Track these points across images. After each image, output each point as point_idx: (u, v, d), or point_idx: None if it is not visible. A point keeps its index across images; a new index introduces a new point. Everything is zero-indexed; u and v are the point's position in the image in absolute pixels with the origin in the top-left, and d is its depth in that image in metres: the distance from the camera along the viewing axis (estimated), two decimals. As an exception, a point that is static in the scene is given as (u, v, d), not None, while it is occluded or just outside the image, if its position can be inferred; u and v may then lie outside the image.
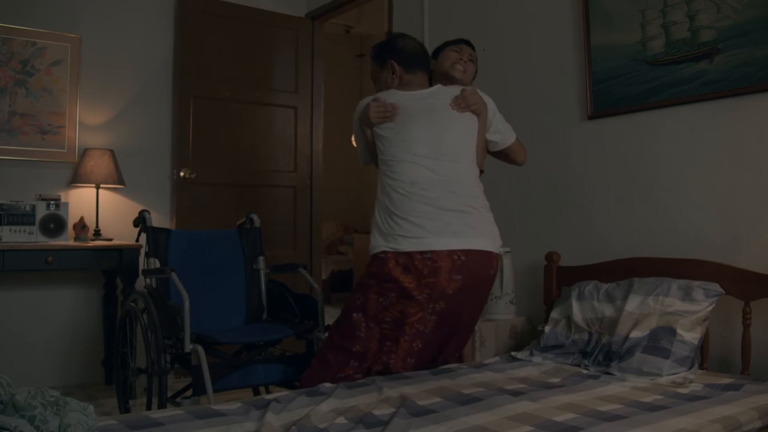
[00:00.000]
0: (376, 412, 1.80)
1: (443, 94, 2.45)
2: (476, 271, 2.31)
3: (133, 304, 2.80)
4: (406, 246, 2.27)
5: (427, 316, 2.30)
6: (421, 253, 2.25)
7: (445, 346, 2.44)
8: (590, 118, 2.94)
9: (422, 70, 2.53)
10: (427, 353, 2.38)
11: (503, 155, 2.67)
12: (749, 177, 2.43)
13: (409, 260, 2.26)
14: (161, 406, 2.49)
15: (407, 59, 2.50)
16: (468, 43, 2.73)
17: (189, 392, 2.70)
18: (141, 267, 3.68)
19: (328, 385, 2.08)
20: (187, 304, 2.50)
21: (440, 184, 2.31)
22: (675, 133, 2.65)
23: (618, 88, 2.81)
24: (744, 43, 2.41)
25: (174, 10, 4.26)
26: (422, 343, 2.33)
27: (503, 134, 2.57)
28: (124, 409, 2.89)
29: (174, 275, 2.61)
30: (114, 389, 3.70)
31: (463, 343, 2.54)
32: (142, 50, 4.17)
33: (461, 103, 2.41)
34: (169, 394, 2.64)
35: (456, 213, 2.30)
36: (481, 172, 2.69)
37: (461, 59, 2.62)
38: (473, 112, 2.44)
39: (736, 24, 2.43)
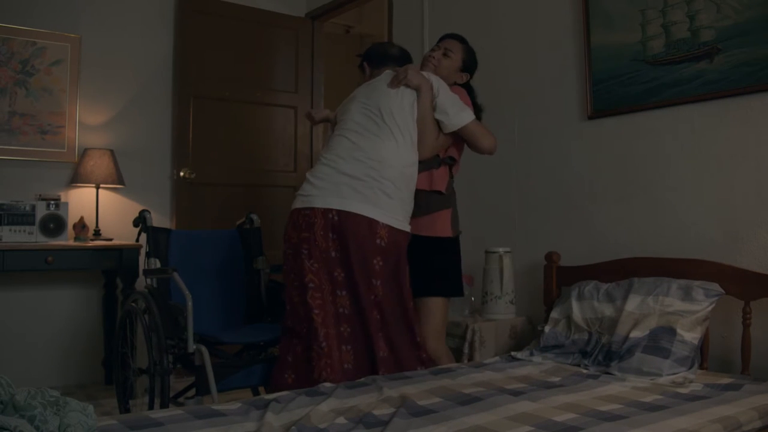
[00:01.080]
0: (376, 412, 1.80)
1: (386, 76, 2.58)
2: (352, 233, 2.32)
3: (133, 304, 2.79)
4: (298, 203, 2.43)
5: (336, 291, 2.35)
6: (303, 209, 2.39)
7: (378, 337, 2.35)
8: (590, 118, 2.94)
9: (388, 66, 2.65)
10: (360, 341, 2.35)
11: (468, 143, 2.61)
12: (749, 177, 2.43)
13: (296, 216, 2.41)
14: (164, 406, 2.49)
15: (374, 58, 2.73)
16: (454, 36, 2.77)
17: (191, 392, 2.70)
18: (141, 267, 3.69)
19: (328, 385, 2.08)
20: (190, 303, 2.49)
21: (351, 151, 2.41)
22: (675, 133, 2.65)
23: (618, 88, 2.81)
24: (744, 43, 2.41)
25: (174, 10, 4.26)
26: (350, 327, 2.36)
27: (450, 115, 2.50)
28: (125, 409, 2.88)
29: (176, 275, 2.61)
30: (113, 389, 3.70)
31: (396, 338, 2.37)
32: (142, 50, 4.17)
33: (394, 81, 2.51)
34: (170, 394, 2.63)
35: (351, 178, 2.37)
36: (453, 160, 2.64)
37: (432, 56, 2.70)
38: (408, 86, 2.49)
39: (736, 24, 2.43)
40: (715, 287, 2.37)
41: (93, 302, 4.00)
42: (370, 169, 2.36)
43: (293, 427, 1.65)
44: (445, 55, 2.69)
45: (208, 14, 4.31)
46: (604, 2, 2.86)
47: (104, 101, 4.05)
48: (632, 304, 2.45)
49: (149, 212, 2.99)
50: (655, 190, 2.72)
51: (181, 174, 4.16)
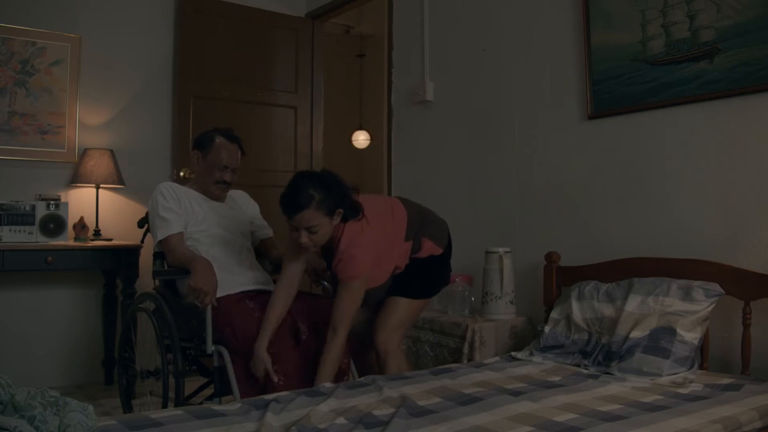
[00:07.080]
0: (376, 412, 1.80)
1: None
2: None
3: (142, 306, 2.76)
4: None
5: None
6: None
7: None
8: (590, 118, 2.93)
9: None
10: None
11: None
12: (749, 177, 2.43)
13: None
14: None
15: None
16: (300, 204, 2.31)
17: (202, 394, 2.71)
18: (141, 267, 3.69)
19: (328, 385, 2.08)
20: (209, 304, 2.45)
21: None
22: (675, 133, 2.65)
23: (618, 88, 2.81)
24: (744, 43, 2.41)
25: (174, 10, 4.26)
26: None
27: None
28: (129, 411, 2.86)
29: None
30: (113, 389, 3.70)
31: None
32: (142, 50, 4.17)
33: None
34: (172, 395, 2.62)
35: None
36: None
37: (301, 242, 2.34)
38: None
39: (736, 24, 2.43)
40: (715, 287, 2.37)
41: (93, 302, 4.00)
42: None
43: (293, 428, 1.66)
44: (311, 232, 2.28)
45: (208, 14, 4.31)
46: (604, 2, 2.86)
47: (104, 101, 4.05)
48: (632, 304, 2.45)
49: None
50: (655, 190, 2.72)
51: (181, 174, 4.15)
